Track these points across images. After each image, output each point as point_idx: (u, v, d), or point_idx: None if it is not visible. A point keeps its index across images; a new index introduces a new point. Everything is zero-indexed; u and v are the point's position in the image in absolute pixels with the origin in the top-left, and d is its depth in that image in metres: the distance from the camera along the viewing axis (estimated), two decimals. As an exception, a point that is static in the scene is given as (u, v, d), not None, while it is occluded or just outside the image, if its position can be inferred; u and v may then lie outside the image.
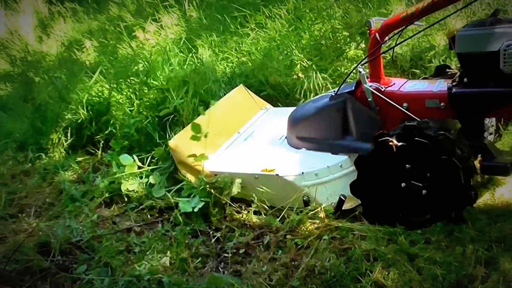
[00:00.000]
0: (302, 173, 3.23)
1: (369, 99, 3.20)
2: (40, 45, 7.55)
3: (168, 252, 2.96)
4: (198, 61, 5.13)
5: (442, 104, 2.97)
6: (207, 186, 3.35)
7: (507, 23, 2.75)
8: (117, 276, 2.80)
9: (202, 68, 5.01)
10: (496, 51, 2.69)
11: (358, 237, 2.80)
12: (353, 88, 3.29)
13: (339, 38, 4.61)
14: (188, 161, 3.61)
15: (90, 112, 4.58)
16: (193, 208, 3.32)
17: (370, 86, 3.20)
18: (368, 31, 3.27)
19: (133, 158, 3.90)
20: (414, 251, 2.58)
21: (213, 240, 3.11)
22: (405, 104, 3.09)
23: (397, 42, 3.27)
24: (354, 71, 3.44)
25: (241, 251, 2.96)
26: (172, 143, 3.68)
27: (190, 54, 5.25)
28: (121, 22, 6.72)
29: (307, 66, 4.60)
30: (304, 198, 3.19)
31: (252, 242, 3.01)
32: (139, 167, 3.87)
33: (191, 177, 3.60)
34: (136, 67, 5.41)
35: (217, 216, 3.30)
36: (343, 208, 3.10)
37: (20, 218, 3.77)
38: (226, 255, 2.95)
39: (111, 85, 4.88)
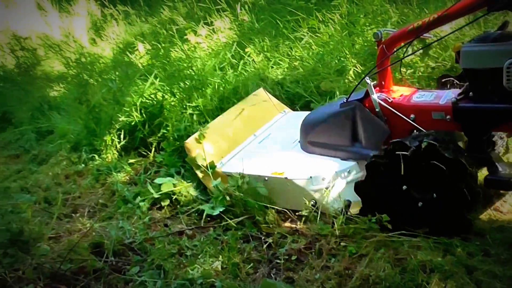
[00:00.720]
0: (310, 177, 3.35)
1: (377, 110, 3.29)
2: (93, 47, 7.74)
3: (220, 256, 3.00)
4: (250, 66, 5.18)
5: (448, 116, 3.02)
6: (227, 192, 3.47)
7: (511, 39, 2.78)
8: (169, 279, 2.85)
9: (254, 74, 5.07)
10: (500, 67, 2.71)
11: (412, 247, 2.77)
12: (363, 96, 3.37)
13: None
14: (200, 161, 3.82)
15: (144, 115, 4.67)
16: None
17: (378, 96, 3.29)
18: (376, 42, 3.35)
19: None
20: (472, 264, 2.55)
21: (265, 245, 3.12)
22: (412, 116, 3.16)
23: (405, 55, 3.37)
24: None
25: (293, 257, 2.97)
26: (188, 142, 3.90)
27: (242, 59, 5.32)
28: (173, 25, 6.84)
29: (360, 71, 4.59)
30: (312, 203, 3.32)
31: (304, 248, 3.02)
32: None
33: (204, 177, 3.81)
34: (188, 71, 5.51)
35: (267, 222, 3.33)
36: (348, 214, 3.15)
37: (74, 218, 3.87)
38: (278, 261, 2.96)
39: (164, 88, 4.98)
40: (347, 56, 4.66)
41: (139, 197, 3.94)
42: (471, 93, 2.95)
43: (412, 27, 3.10)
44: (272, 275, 2.89)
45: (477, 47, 2.86)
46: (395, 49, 3.27)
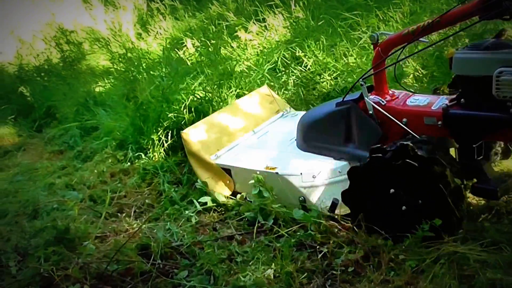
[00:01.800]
0: (301, 173, 3.58)
1: (370, 112, 3.43)
2: (140, 42, 7.83)
3: (273, 264, 2.98)
4: (304, 67, 5.17)
5: (439, 122, 3.14)
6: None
7: (504, 48, 2.91)
8: (220, 285, 2.86)
9: (306, 76, 5.07)
10: (490, 75, 2.84)
11: (479, 262, 2.70)
12: (358, 97, 3.52)
13: (459, 45, 4.49)
14: (197, 153, 4.09)
15: (193, 113, 4.70)
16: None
17: (372, 99, 3.43)
18: (373, 45, 3.50)
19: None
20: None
21: (319, 255, 3.10)
22: (404, 120, 3.30)
23: (399, 59, 3.46)
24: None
25: (350, 269, 2.93)
26: (184, 133, 4.17)
27: (296, 59, 5.32)
28: (223, 21, 6.87)
29: (421, 75, 4.52)
30: (300, 198, 3.58)
31: (362, 259, 2.98)
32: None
33: (199, 169, 4.07)
34: (238, 69, 5.53)
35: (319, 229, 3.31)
36: (336, 213, 3.38)
37: (120, 217, 3.93)
38: (334, 272, 2.93)
39: (214, 86, 5.00)
40: (407, 59, 4.58)
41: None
42: (462, 99, 3.07)
43: (407, 31, 3.24)
44: (327, 286, 2.86)
45: (469, 54, 2.99)
46: (390, 53, 3.38)
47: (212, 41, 6.35)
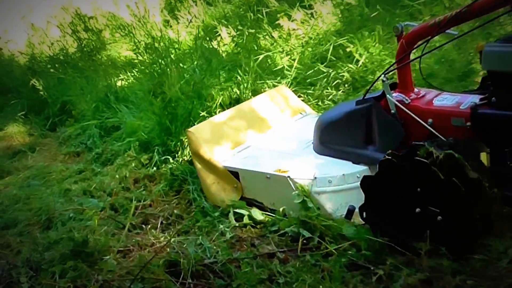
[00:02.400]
0: (315, 178, 3.65)
1: (392, 111, 3.50)
2: (167, 30, 7.91)
3: (320, 287, 2.98)
4: (356, 62, 5.17)
5: (468, 123, 3.17)
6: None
7: None
8: (259, 310, 2.87)
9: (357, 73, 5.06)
10: None
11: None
12: (380, 94, 3.60)
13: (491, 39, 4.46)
14: (202, 154, 4.22)
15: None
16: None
17: (394, 97, 3.50)
18: (397, 37, 3.57)
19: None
20: None
21: (374, 277, 3.08)
22: (430, 120, 3.34)
23: (424, 52, 3.50)
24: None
25: (409, 295, 2.92)
26: (190, 131, 4.30)
27: (345, 53, 5.31)
28: (262, 8, 6.90)
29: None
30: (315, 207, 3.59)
31: (423, 284, 2.96)
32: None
33: (202, 170, 4.22)
34: (280, 62, 5.55)
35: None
36: (353, 221, 3.42)
37: (145, 230, 3.97)
38: (391, 298, 2.92)
39: (251, 81, 5.04)
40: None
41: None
42: (493, 98, 3.06)
43: (433, 22, 3.29)
44: (384, 314, 2.86)
45: (501, 47, 2.97)
46: (415, 46, 3.44)
47: (250, 30, 6.38)
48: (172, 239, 3.64)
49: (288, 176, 3.72)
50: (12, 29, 9.99)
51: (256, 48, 6.06)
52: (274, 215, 3.85)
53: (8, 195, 4.85)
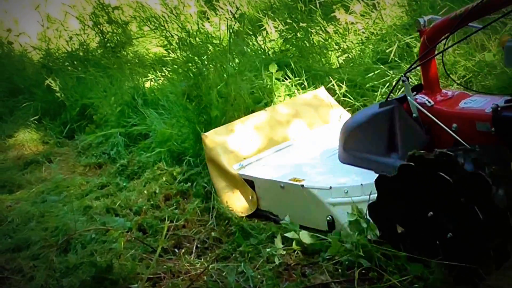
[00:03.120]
0: (330, 187, 3.84)
1: (414, 115, 3.68)
2: (204, 22, 7.98)
3: (384, 325, 3.01)
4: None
5: (493, 128, 3.27)
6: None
7: None
8: None
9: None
10: None
11: None
12: (403, 96, 3.77)
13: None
14: (217, 160, 4.52)
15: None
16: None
17: (417, 99, 3.68)
18: (419, 32, 3.75)
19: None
20: None
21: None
22: (454, 125, 3.47)
23: (445, 47, 3.74)
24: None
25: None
26: (205, 135, 4.61)
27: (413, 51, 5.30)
28: (315, -2, 6.93)
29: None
30: (328, 218, 3.84)
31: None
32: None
33: (216, 177, 4.53)
34: (335, 61, 5.58)
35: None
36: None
37: (178, 254, 4.02)
38: None
39: (302, 83, 5.08)
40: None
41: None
42: None
43: (454, 15, 3.42)
44: None
45: None
46: (437, 42, 3.59)
47: (301, 24, 6.42)
48: (210, 266, 3.69)
49: (302, 185, 3.95)
50: (24, 20, 10.14)
51: (307, 45, 6.09)
52: (325, 237, 3.88)
53: (20, 212, 4.94)
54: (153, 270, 3.75)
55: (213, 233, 4.21)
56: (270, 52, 6.22)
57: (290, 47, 6.09)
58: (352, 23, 6.25)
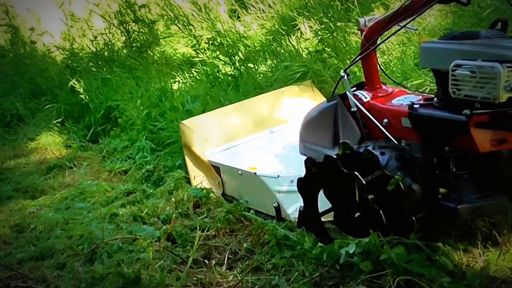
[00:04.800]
0: (278, 176, 4.43)
1: (352, 109, 4.10)
2: (235, 21, 7.98)
3: None
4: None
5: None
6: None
7: (473, 38, 3.42)
8: None
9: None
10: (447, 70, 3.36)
11: None
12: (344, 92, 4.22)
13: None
14: (191, 146, 5.11)
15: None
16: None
17: (355, 95, 4.14)
18: (360, 32, 4.22)
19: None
20: None
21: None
22: (385, 120, 3.91)
23: (376, 44, 4.11)
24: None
25: None
26: (182, 123, 5.22)
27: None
28: (353, -5, 6.91)
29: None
30: (274, 205, 4.41)
31: None
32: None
33: (189, 163, 5.16)
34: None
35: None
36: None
37: (209, 265, 4.00)
38: None
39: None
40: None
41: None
42: (435, 98, 3.64)
43: (385, 17, 3.91)
44: None
45: (433, 44, 3.62)
46: (372, 40, 4.01)
47: (338, 24, 6.40)
48: (242, 278, 3.67)
49: (255, 173, 4.54)
50: (47, 18, 10.20)
51: (344, 45, 6.07)
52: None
53: (43, 219, 4.97)
54: (183, 282, 3.73)
55: (245, 244, 4.18)
56: (304, 53, 6.19)
57: (326, 48, 6.05)
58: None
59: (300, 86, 5.64)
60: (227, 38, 7.24)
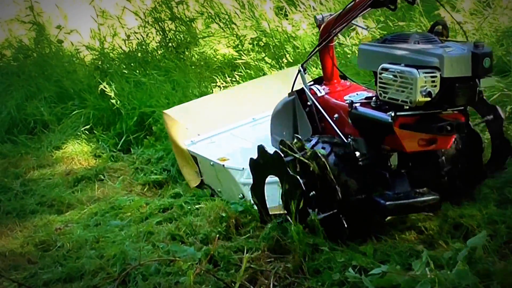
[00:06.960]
0: (243, 168, 4.96)
1: (308, 103, 4.65)
2: (282, 20, 7.96)
3: None
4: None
5: None
6: None
7: (403, 42, 3.97)
8: None
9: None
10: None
11: None
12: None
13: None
14: (173, 136, 5.72)
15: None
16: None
17: (310, 89, 4.66)
18: (318, 28, 4.74)
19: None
20: None
21: None
22: (336, 115, 4.42)
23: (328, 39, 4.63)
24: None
25: None
26: (165, 112, 5.81)
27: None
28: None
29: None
30: (239, 196, 4.96)
31: None
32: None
33: (176, 155, 5.79)
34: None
35: None
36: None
37: (254, 291, 3.98)
38: None
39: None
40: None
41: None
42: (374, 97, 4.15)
43: (335, 15, 4.49)
44: None
45: (368, 46, 4.18)
46: (325, 35, 4.59)
47: (398, 23, 6.37)
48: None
49: (223, 165, 5.12)
50: (75, 15, 10.27)
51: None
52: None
53: (71, 237, 4.99)
54: (225, 309, 3.72)
55: (289, 265, 4.10)
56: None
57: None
58: (460, 22, 6.14)
59: (284, 72, 6.07)
60: (273, 38, 7.25)
